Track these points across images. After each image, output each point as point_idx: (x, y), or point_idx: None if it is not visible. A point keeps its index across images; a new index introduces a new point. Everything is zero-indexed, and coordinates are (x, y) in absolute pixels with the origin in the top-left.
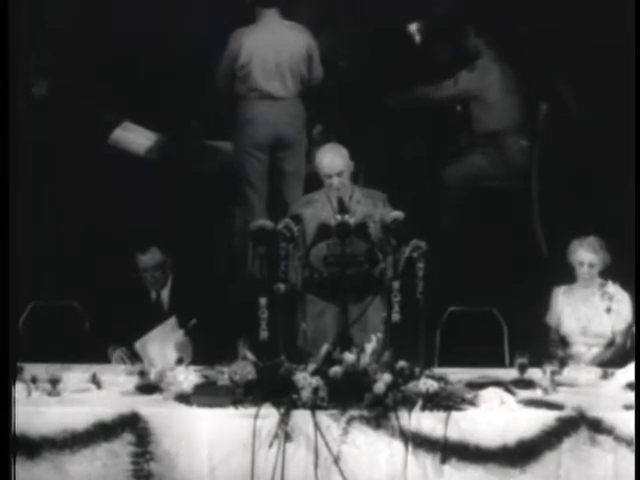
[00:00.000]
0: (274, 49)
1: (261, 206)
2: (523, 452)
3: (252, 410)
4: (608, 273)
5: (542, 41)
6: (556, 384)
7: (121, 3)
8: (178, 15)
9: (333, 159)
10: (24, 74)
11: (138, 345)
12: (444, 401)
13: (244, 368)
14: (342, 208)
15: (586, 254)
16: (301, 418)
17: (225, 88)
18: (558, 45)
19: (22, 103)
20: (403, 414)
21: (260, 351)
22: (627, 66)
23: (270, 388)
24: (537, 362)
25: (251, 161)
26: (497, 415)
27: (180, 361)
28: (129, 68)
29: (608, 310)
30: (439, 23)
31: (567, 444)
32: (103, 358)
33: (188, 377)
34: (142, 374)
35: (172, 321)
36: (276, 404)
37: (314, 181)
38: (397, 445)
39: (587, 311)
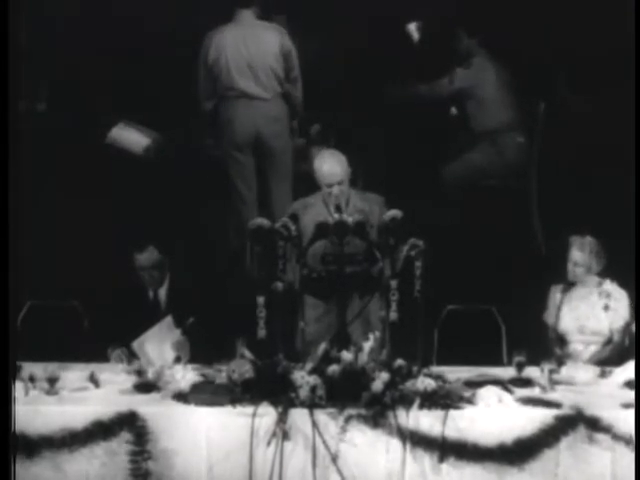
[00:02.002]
0: (245, 47)
1: (247, 207)
2: (521, 450)
3: (250, 409)
4: (606, 272)
5: (539, 41)
6: (554, 382)
7: (121, 3)
8: (178, 14)
9: (332, 168)
10: (24, 75)
11: (136, 345)
12: (442, 399)
13: (242, 367)
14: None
15: (574, 251)
16: (299, 417)
17: (205, 90)
18: (557, 45)
19: (22, 103)
20: (401, 413)
21: (258, 350)
22: (627, 64)
23: (268, 387)
24: (535, 360)
25: (232, 162)
26: (495, 413)
27: (178, 360)
28: (128, 67)
29: (606, 308)
30: (432, 23)
31: (565, 442)
32: (101, 357)
33: (186, 376)
34: (140, 373)
35: (168, 320)
36: (274, 403)
37: (309, 182)
38: (395, 443)
39: (585, 309)
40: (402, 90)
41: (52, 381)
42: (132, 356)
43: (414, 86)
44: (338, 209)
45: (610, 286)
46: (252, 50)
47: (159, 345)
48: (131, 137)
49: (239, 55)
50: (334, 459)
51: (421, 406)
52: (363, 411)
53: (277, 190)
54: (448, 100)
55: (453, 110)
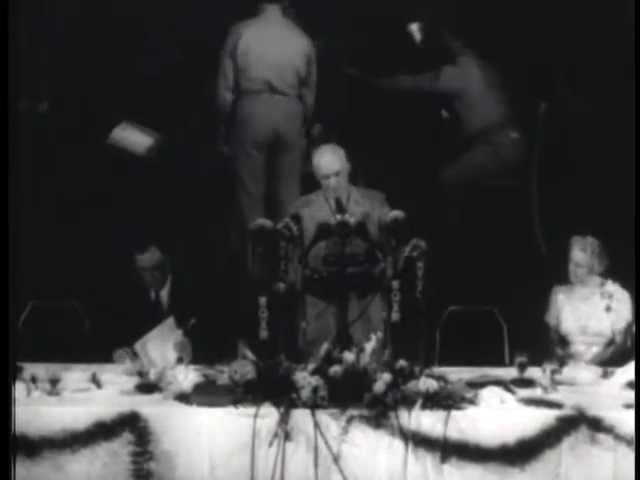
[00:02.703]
0: (276, 44)
1: (253, 206)
2: (523, 451)
3: (252, 409)
4: (608, 272)
5: (538, 40)
6: (556, 383)
7: (122, 3)
8: (179, 13)
9: (330, 160)
10: (24, 75)
11: (138, 346)
12: (444, 400)
13: (244, 367)
14: (340, 209)
15: (576, 252)
16: (301, 417)
17: (228, 82)
18: (557, 44)
19: (22, 103)
20: (403, 413)
21: (260, 350)
22: (627, 64)
23: (270, 387)
24: (537, 361)
25: (246, 160)
26: (497, 414)
27: (180, 360)
28: (130, 68)
29: (608, 309)
30: (426, 24)
31: (567, 443)
32: (103, 358)
33: (188, 376)
34: (141, 374)
35: (170, 321)
36: (276, 403)
37: (310, 181)
38: (397, 444)
39: (587, 310)
40: (388, 81)
41: (54, 382)
42: (135, 357)
43: (399, 78)
44: (339, 204)
45: (612, 287)
46: (281, 47)
47: (161, 346)
48: (133, 138)
49: (269, 50)
50: (336, 460)
51: (423, 407)
52: (365, 412)
53: (286, 188)
54: (434, 96)
55: (444, 113)
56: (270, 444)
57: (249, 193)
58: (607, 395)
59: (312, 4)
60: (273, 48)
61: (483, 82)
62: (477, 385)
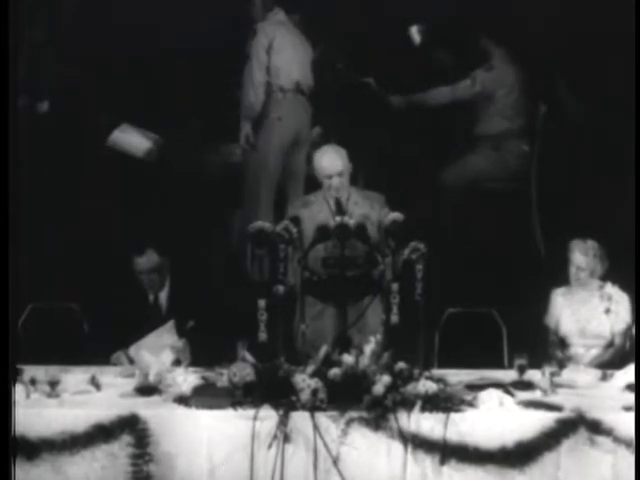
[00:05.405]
0: (299, 46)
1: (269, 206)
2: (522, 453)
3: (251, 411)
4: (607, 275)
5: (546, 43)
6: (555, 385)
7: (122, 3)
8: (178, 14)
9: (333, 160)
10: (25, 75)
11: (132, 350)
12: (443, 403)
13: (243, 370)
14: (339, 209)
15: (578, 255)
16: (300, 419)
17: (262, 80)
18: (559, 46)
19: (21, 101)
20: (402, 415)
21: (259, 353)
22: (628, 67)
23: (269, 390)
24: (536, 363)
25: (271, 161)
26: (496, 416)
27: (178, 363)
28: (129, 69)
29: (607, 311)
30: (445, 24)
31: (566, 445)
32: (102, 360)
33: (187, 379)
34: (137, 377)
35: (170, 324)
36: (275, 405)
37: (310, 182)
38: (396, 446)
39: (586, 312)
40: (424, 97)
41: (53, 384)
42: (130, 361)
43: (436, 90)
44: (338, 205)
45: (611, 289)
46: (303, 48)
47: (156, 350)
48: (132, 140)
49: (297, 50)
50: (335, 462)
51: (422, 409)
52: (364, 414)
53: (294, 188)
54: (467, 103)
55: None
56: (269, 446)
57: (269, 192)
58: (606, 397)
59: (312, 10)
60: (299, 49)
61: (513, 87)
62: (476, 387)
